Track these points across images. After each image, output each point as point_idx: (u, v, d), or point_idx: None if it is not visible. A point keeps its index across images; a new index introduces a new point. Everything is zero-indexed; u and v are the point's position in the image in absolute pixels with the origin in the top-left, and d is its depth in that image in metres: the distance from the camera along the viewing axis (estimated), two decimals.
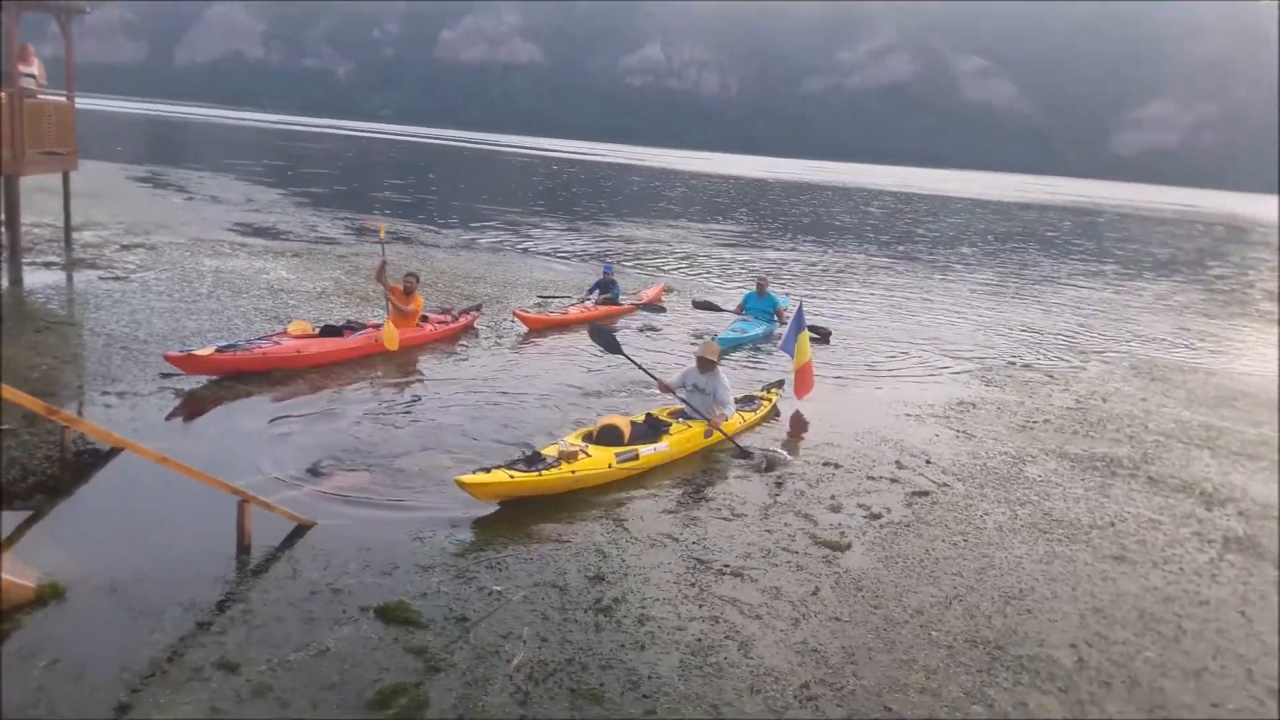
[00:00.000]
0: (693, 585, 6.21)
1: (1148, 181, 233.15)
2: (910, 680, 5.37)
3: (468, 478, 6.81)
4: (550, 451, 7.58)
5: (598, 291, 16.33)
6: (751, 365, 13.30)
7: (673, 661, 5.27)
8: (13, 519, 6.43)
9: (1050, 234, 49.87)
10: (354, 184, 45.71)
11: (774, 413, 10.64)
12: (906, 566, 6.87)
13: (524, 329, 14.12)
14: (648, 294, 17.72)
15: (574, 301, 16.24)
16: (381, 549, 6.34)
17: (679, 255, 26.33)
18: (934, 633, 5.94)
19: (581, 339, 13.99)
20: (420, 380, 11.00)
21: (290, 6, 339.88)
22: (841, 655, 5.55)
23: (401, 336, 11.81)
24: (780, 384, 11.21)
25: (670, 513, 7.47)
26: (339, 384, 10.35)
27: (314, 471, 7.60)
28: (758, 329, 14.83)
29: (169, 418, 8.82)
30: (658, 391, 9.75)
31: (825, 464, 8.97)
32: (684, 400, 9.21)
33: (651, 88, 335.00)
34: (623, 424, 8.24)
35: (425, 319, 12.70)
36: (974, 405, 11.80)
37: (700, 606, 5.93)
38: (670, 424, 8.89)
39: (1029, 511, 8.24)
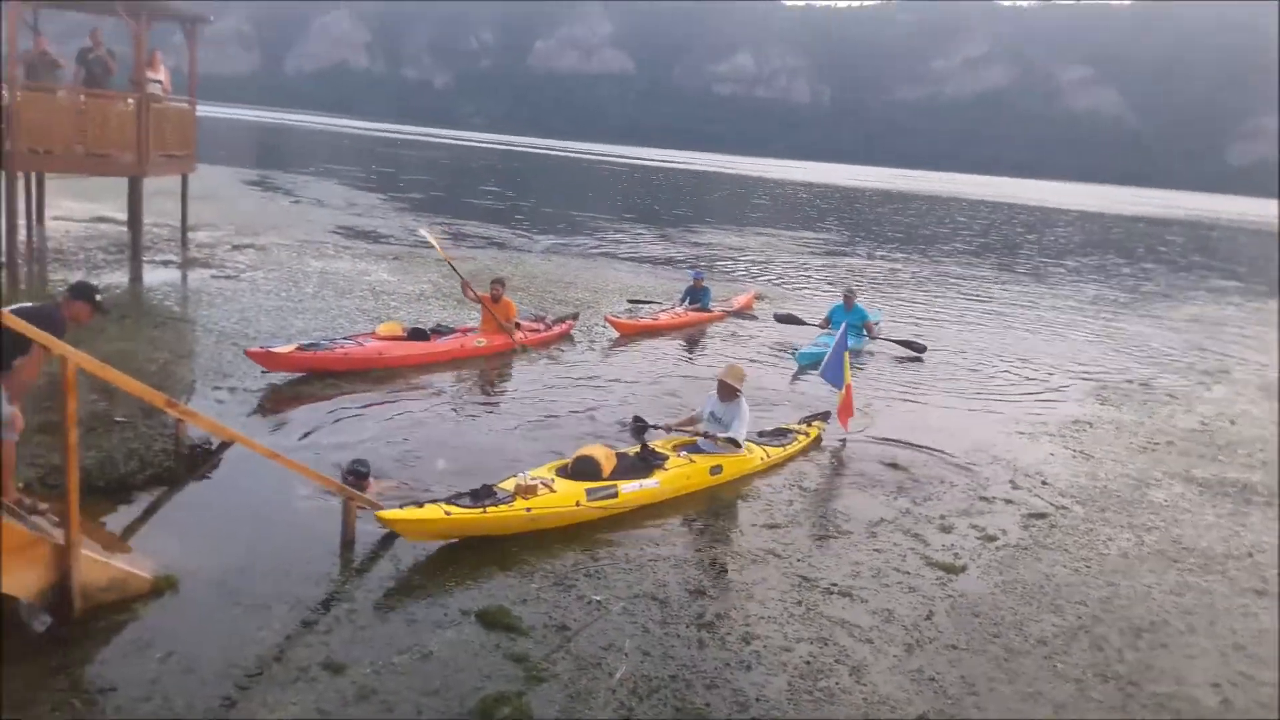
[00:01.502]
0: (799, 604, 5.98)
1: (1265, 195, 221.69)
2: (1037, 715, 5.05)
3: (391, 513, 5.90)
4: (508, 485, 6.64)
5: (689, 299, 16.16)
6: (828, 389, 12.26)
7: (781, 684, 5.07)
8: (130, 510, 6.61)
9: (1162, 248, 47.76)
10: (449, 190, 46.59)
11: (815, 448, 9.34)
12: (1026, 593, 6.51)
13: (615, 334, 14.06)
14: (739, 301, 17.49)
15: (665, 307, 16.11)
16: (479, 552, 6.29)
17: (768, 263, 26.01)
18: (1060, 665, 5.60)
19: (673, 346, 13.88)
20: (511, 385, 11.00)
21: (392, 15, 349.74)
22: (961, 686, 5.26)
23: (492, 342, 11.73)
24: (825, 416, 9.86)
25: (771, 527, 7.25)
26: (431, 386, 10.30)
27: (404, 470, 7.64)
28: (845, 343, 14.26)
29: (275, 413, 8.98)
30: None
31: (934, 482, 8.62)
32: (702, 434, 8.23)
33: (740, 96, 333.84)
34: (603, 456, 7.20)
35: (518, 326, 12.47)
36: (1090, 424, 11.24)
37: (808, 627, 5.70)
38: (668, 458, 7.82)
39: (1156, 538, 7.77)
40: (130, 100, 14.82)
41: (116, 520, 6.42)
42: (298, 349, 9.77)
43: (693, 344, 14.36)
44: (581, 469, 7.07)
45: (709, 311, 16.10)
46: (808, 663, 5.30)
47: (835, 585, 6.28)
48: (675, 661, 5.18)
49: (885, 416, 10.78)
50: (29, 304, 5.83)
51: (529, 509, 6.43)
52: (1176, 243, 53.55)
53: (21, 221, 15.60)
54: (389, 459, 7.85)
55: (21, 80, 13.66)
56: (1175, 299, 26.29)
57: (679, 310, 15.75)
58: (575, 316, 14.12)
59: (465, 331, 11.70)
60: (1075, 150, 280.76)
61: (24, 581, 4.90)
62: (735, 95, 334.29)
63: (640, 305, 16.48)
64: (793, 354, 12.98)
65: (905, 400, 11.73)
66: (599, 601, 5.76)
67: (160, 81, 15.60)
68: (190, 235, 18.66)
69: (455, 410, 9.68)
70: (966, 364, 14.27)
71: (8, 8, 13.24)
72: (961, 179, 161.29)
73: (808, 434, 9.32)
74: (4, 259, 14.18)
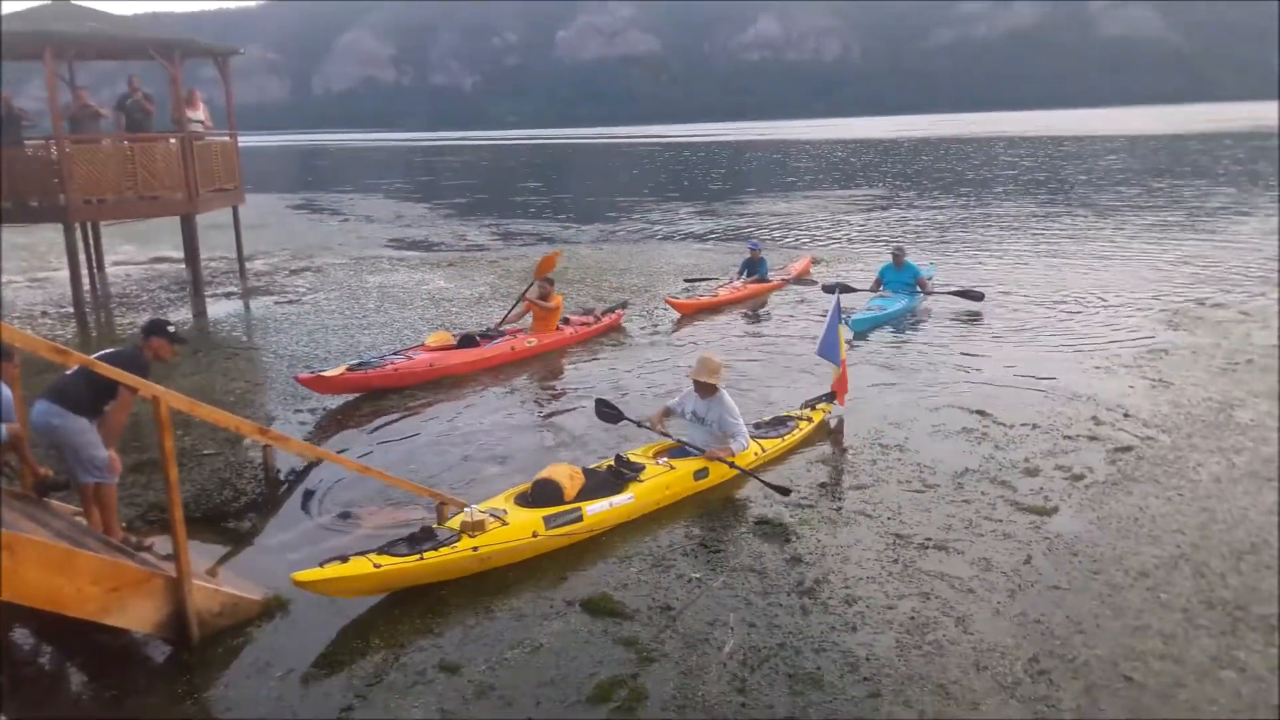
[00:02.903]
0: (895, 561, 5.97)
1: None
2: (1147, 648, 4.99)
3: (307, 574, 5.26)
4: (453, 523, 5.99)
5: (746, 271, 16.08)
6: (893, 347, 11.95)
7: (888, 641, 5.07)
8: (231, 537, 6.83)
9: (1219, 164, 46.11)
10: (491, 191, 46.91)
11: (822, 434, 8.57)
12: (1121, 527, 6.41)
13: (677, 315, 14.06)
14: (796, 268, 17.38)
15: (722, 282, 16.07)
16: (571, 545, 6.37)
17: (818, 225, 25.78)
18: (1164, 595, 5.51)
19: (736, 321, 13.84)
20: (576, 380, 11.03)
21: (413, 27, 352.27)
22: (1067, 625, 5.21)
23: (543, 341, 11.68)
24: (830, 397, 9.00)
25: (857, 488, 7.22)
26: (485, 392, 10.24)
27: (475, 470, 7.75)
28: (898, 304, 13.66)
29: (357, 428, 9.18)
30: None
31: (1013, 426, 8.50)
32: (678, 438, 7.57)
33: (770, 62, 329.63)
34: (565, 477, 6.49)
35: (566, 321, 12.40)
36: (1165, 351, 10.98)
37: (907, 583, 5.69)
38: (644, 465, 7.04)
39: (1247, 459, 7.58)
40: (173, 140, 15.21)
41: (220, 548, 6.63)
42: (347, 370, 9.73)
43: (756, 316, 14.31)
44: (541, 494, 6.39)
45: (768, 282, 16.01)
46: (912, 618, 5.30)
47: (930, 539, 6.25)
48: (781, 630, 5.21)
49: (953, 366, 10.66)
50: (111, 349, 6.01)
51: (476, 549, 5.79)
52: (1236, 156, 51.66)
53: (84, 270, 16.12)
54: (455, 467, 7.95)
55: (67, 134, 14.11)
56: (1239, 214, 25.40)
57: (737, 284, 15.69)
58: (624, 306, 13.99)
59: (515, 334, 11.62)
60: (1116, 76, 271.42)
61: (142, 615, 5.09)
62: (765, 61, 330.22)
63: (697, 283, 16.46)
64: (845, 321, 12.68)
65: (970, 348, 11.58)
66: (698, 579, 5.82)
67: (201, 119, 15.97)
68: (248, 265, 19.15)
69: (523, 412, 9.69)
70: (1029, 305, 14.05)
71: (46, 65, 13.65)
72: (1001, 117, 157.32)
73: (810, 419, 8.54)
74: (73, 308, 14.70)
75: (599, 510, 6.44)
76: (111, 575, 4.98)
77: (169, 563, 5.36)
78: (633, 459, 7.14)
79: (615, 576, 5.92)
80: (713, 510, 6.89)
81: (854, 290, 14.64)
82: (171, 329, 6.19)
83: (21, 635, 5.53)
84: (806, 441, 8.28)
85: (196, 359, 11.99)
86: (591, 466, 7.05)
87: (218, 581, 5.68)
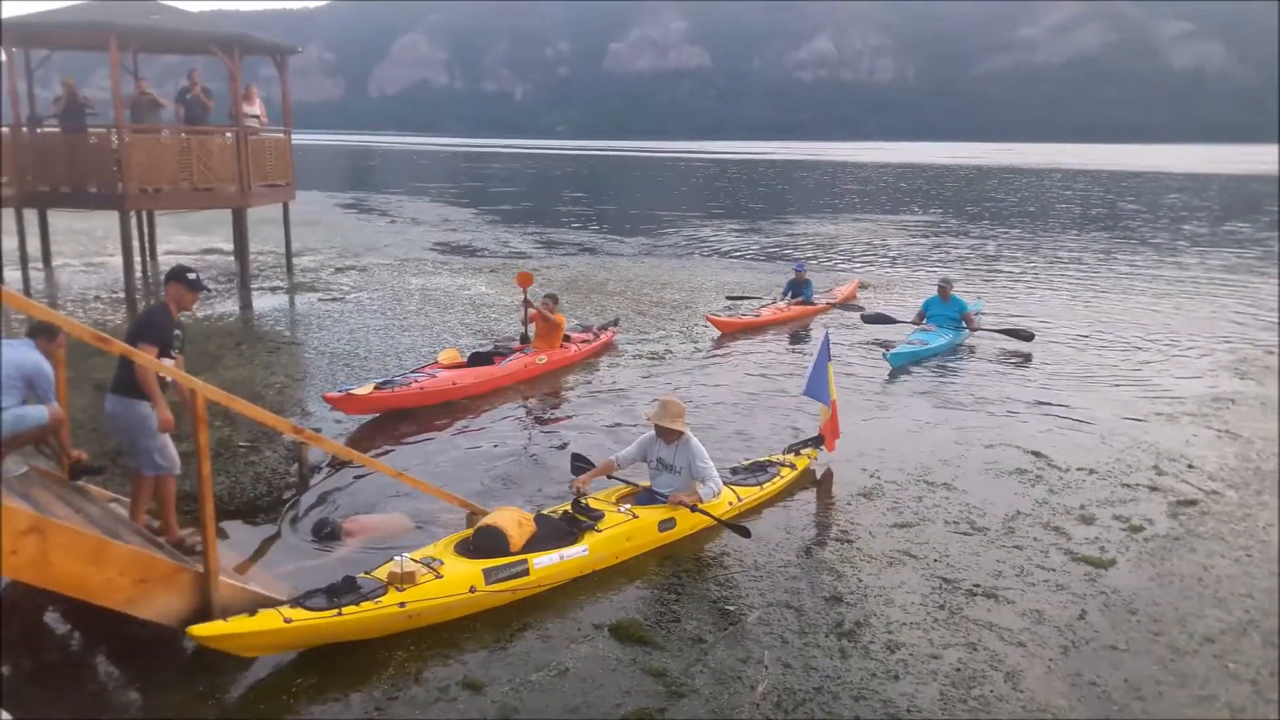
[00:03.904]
0: (941, 607, 5.71)
1: None
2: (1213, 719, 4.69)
3: (204, 629, 4.70)
4: (381, 573, 5.37)
5: (790, 293, 15.85)
6: (936, 383, 11.40)
7: (932, 693, 4.83)
8: (261, 533, 6.75)
9: None
10: (537, 199, 47.06)
11: (805, 482, 7.93)
12: (1184, 587, 6.09)
13: (717, 333, 13.86)
14: (842, 292, 17.10)
15: (765, 302, 15.84)
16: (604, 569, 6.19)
17: (866, 250, 25.45)
18: (1231, 664, 5.20)
19: (776, 344, 13.59)
20: (609, 398, 10.87)
21: (468, 32, 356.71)
22: (1126, 690, 4.92)
23: (552, 358, 11.44)
24: (816, 441, 8.33)
25: (902, 526, 6.97)
26: (501, 409, 10.05)
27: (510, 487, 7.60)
28: (941, 339, 12.98)
29: (392, 432, 9.10)
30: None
31: (1068, 470, 8.19)
32: (642, 484, 7.00)
33: (823, 81, 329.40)
34: (513, 525, 5.83)
35: (568, 338, 12.07)
36: (1232, 400, 10.56)
37: (954, 631, 5.43)
38: (603, 513, 6.38)
39: None
40: (229, 134, 15.36)
41: (250, 544, 6.55)
42: (375, 389, 9.57)
43: (798, 339, 14.05)
44: (484, 543, 5.73)
45: (812, 304, 15.76)
46: (958, 669, 5.05)
47: (978, 586, 5.99)
48: (818, 673, 4.99)
49: (1002, 404, 10.34)
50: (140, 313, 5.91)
51: (403, 604, 5.17)
52: None
53: (137, 258, 16.32)
54: (487, 482, 7.77)
55: (127, 123, 14.29)
56: None
57: (781, 305, 15.45)
58: (616, 323, 13.66)
59: (521, 349, 11.37)
60: (1180, 110, 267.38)
61: (169, 608, 5.01)
62: (818, 80, 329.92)
63: (739, 301, 16.25)
64: (885, 355, 12.37)
65: (1019, 387, 11.19)
66: (732, 612, 5.61)
67: (257, 115, 16.12)
68: (295, 261, 19.27)
69: (542, 430, 9.43)
70: (1083, 345, 13.57)
71: (110, 55, 13.85)
72: (1058, 149, 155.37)
73: (794, 465, 7.91)
74: (124, 294, 14.87)
75: (547, 564, 5.79)
76: (140, 567, 4.92)
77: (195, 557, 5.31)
78: (593, 504, 6.48)
79: (644, 602, 5.74)
80: (749, 540, 6.66)
81: (894, 321, 14.23)
82: (191, 276, 5.87)
83: (53, 619, 5.49)
84: (787, 492, 7.64)
85: (239, 351, 12.02)
86: (546, 511, 6.46)
87: (245, 579, 5.59)
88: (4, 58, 15.35)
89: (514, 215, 35.72)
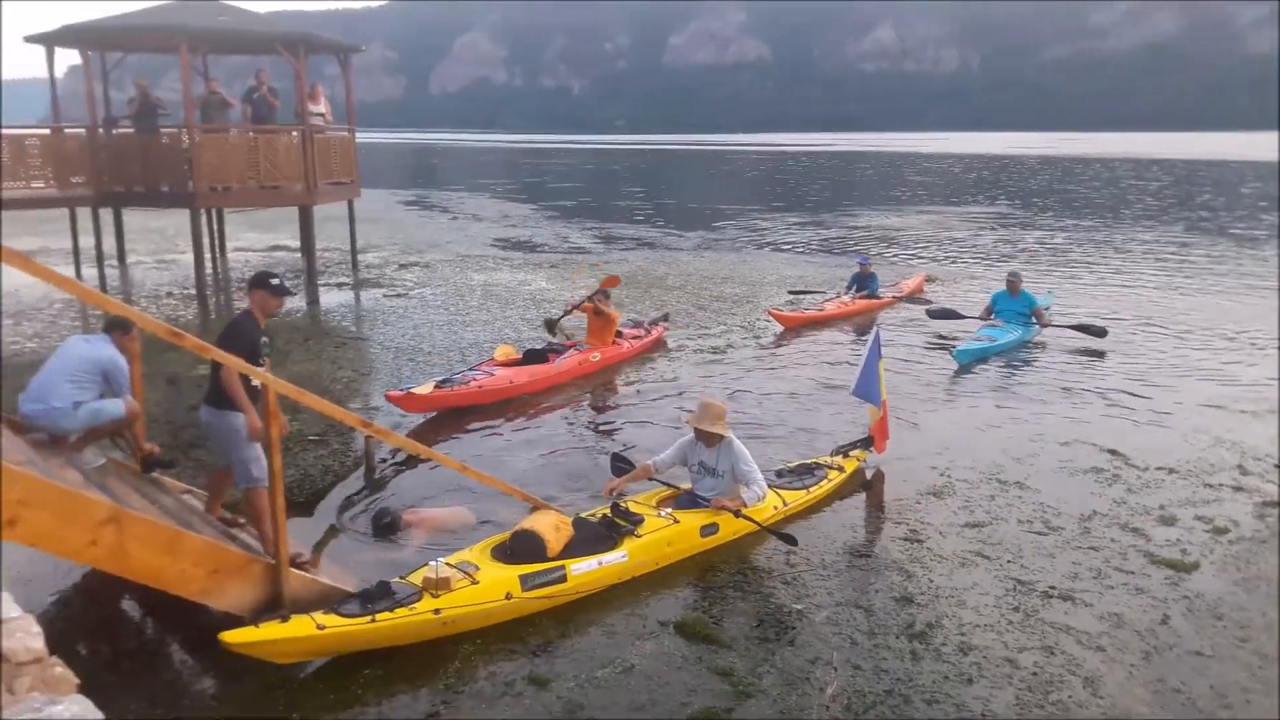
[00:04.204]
0: (1016, 609, 5.55)
1: None
2: None
3: (237, 635, 4.64)
4: (415, 577, 5.31)
5: (855, 286, 15.59)
6: (1005, 379, 11.19)
7: (1008, 698, 4.68)
8: (330, 524, 6.83)
9: None
10: (595, 194, 47.16)
11: (855, 484, 7.70)
12: (1271, 591, 5.84)
13: (779, 328, 13.71)
14: (908, 285, 16.78)
15: (829, 296, 15.62)
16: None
17: (931, 242, 24.97)
18: None
19: (841, 340, 13.40)
20: (670, 391, 10.84)
21: (527, 29, 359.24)
22: (1211, 697, 4.73)
23: (605, 355, 11.38)
24: (866, 442, 8.05)
25: (973, 526, 6.79)
26: (557, 405, 10.07)
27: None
28: (1010, 335, 12.62)
29: (453, 425, 9.17)
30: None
31: (1150, 468, 7.90)
32: (667, 483, 6.82)
33: (885, 72, 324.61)
34: (550, 529, 5.72)
35: (620, 334, 11.94)
36: None
37: (1029, 635, 5.27)
38: (643, 517, 6.20)
39: None
40: (295, 133, 15.63)
41: (319, 534, 6.64)
42: (435, 387, 9.61)
43: (864, 334, 13.80)
44: (521, 547, 5.62)
45: (878, 298, 15.49)
46: (1034, 674, 4.89)
47: (1054, 588, 5.80)
48: (889, 675, 4.88)
49: (1075, 401, 10.03)
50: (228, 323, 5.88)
51: (438, 610, 5.08)
52: None
53: (207, 255, 16.71)
54: (543, 479, 7.68)
55: (198, 123, 14.63)
56: None
57: (846, 299, 15.21)
58: (666, 318, 13.55)
59: (572, 345, 11.30)
60: (1258, 96, 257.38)
61: (241, 599, 5.10)
62: (880, 71, 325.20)
63: (802, 296, 16.06)
64: (951, 352, 11.90)
65: (1093, 384, 10.81)
66: (799, 611, 5.52)
67: (322, 113, 16.37)
68: (360, 257, 19.58)
69: (594, 428, 9.39)
70: (1160, 340, 13.09)
71: (181, 57, 14.19)
72: (1130, 137, 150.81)
73: (842, 468, 7.65)
74: (195, 290, 15.24)
75: (585, 570, 5.64)
76: (213, 558, 5.01)
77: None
78: (632, 508, 6.34)
79: (710, 600, 5.67)
80: (811, 539, 6.55)
81: (961, 317, 13.85)
82: (275, 281, 5.81)
83: (129, 608, 5.61)
84: (836, 494, 7.41)
85: (307, 346, 12.24)
86: (584, 514, 6.32)
87: (315, 570, 5.67)
88: (81, 61, 15.83)
89: (573, 210, 35.84)
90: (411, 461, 7.97)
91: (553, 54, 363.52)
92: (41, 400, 5.70)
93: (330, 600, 5.17)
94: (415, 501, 7.13)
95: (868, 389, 7.89)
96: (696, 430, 6.59)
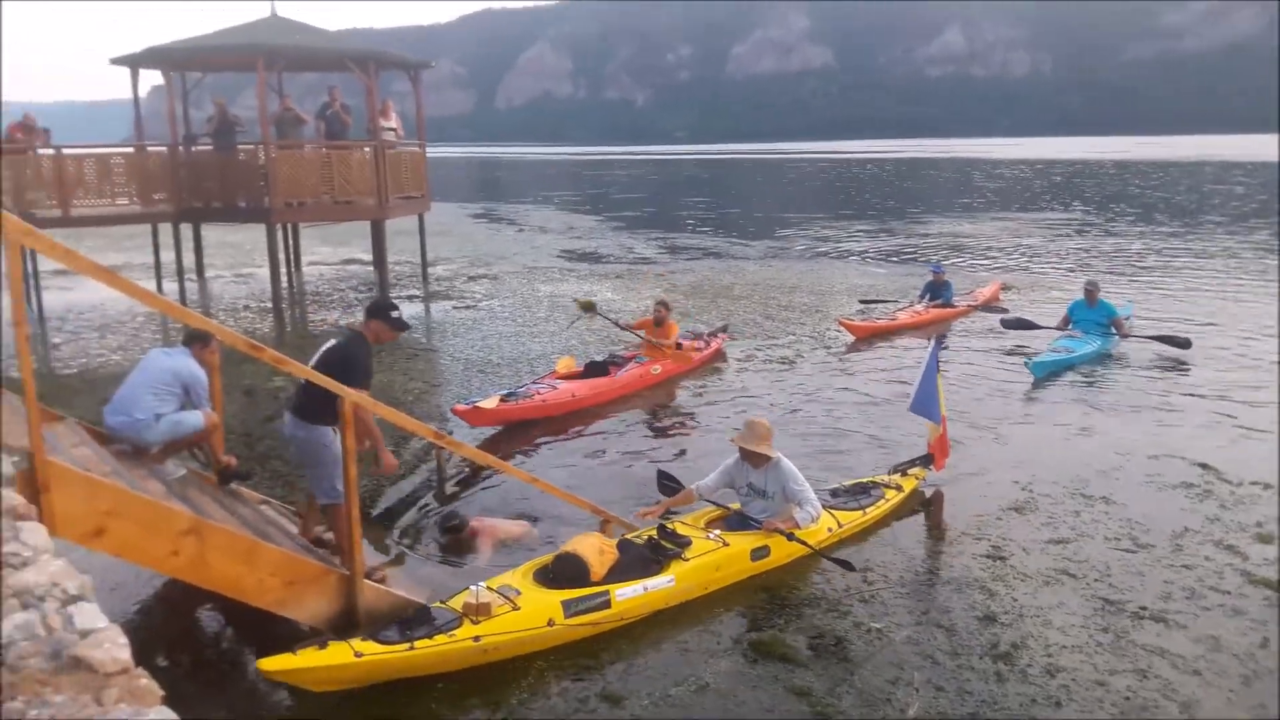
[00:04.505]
0: (1105, 630, 5.32)
1: None
2: None
3: (274, 663, 4.54)
4: (456, 602, 5.16)
5: (929, 295, 15.27)
6: (1085, 391, 10.75)
7: None
8: (403, 536, 6.89)
9: None
10: (659, 205, 47.24)
11: (914, 505, 7.40)
12: None
13: (850, 338, 13.48)
14: (984, 294, 16.37)
15: (902, 306, 15.33)
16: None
17: (1005, 250, 24.41)
18: None
19: (914, 350, 13.09)
20: (739, 402, 10.71)
21: (591, 41, 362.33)
22: None
23: (666, 368, 11.29)
24: (928, 460, 7.71)
25: (1059, 542, 6.54)
26: (620, 418, 10.04)
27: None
28: (1088, 346, 12.14)
29: (517, 443, 9.18)
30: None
31: (1244, 483, 7.55)
32: (716, 503, 6.64)
33: (952, 76, 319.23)
34: (593, 551, 5.57)
35: (678, 346, 11.70)
36: None
37: (1120, 657, 5.05)
38: (691, 540, 6.01)
39: None
40: (367, 149, 15.93)
41: (392, 546, 6.69)
42: (501, 401, 9.64)
43: (938, 345, 13.47)
44: (564, 571, 5.45)
45: (953, 307, 15.14)
46: (1127, 698, 4.68)
47: (1145, 608, 5.55)
48: (973, 697, 4.71)
49: (1161, 413, 9.64)
50: (334, 340, 5.76)
51: (478, 638, 4.93)
52: None
53: (282, 269, 17.12)
54: (605, 493, 7.51)
55: (273, 139, 15.01)
56: None
57: (919, 308, 14.91)
58: (725, 329, 13.32)
59: (631, 358, 11.22)
60: None
61: (316, 610, 5.14)
62: (947, 76, 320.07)
63: (873, 305, 15.80)
64: (1027, 364, 11.48)
65: (1178, 396, 10.39)
66: (879, 630, 5.37)
67: (394, 129, 16.67)
68: (430, 270, 19.86)
69: (659, 441, 9.33)
70: (1248, 352, 12.46)
71: (258, 75, 14.58)
72: (1211, 140, 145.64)
73: (900, 487, 7.35)
74: (271, 304, 15.62)
75: (630, 595, 5.46)
76: (290, 568, 5.07)
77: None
78: (680, 530, 6.16)
79: (785, 617, 5.55)
80: (889, 554, 6.39)
81: (1037, 327, 13.35)
82: (395, 314, 5.71)
83: (208, 617, 5.70)
84: (894, 515, 7.10)
85: (379, 358, 12.22)
86: (629, 536, 6.10)
87: (387, 582, 5.69)
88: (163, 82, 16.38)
89: (637, 221, 35.92)
90: (478, 475, 8.01)
91: (616, 65, 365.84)
92: (125, 412, 5.82)
93: (402, 615, 5.18)
94: (483, 512, 7.14)
95: (926, 405, 7.60)
96: (742, 450, 6.43)
